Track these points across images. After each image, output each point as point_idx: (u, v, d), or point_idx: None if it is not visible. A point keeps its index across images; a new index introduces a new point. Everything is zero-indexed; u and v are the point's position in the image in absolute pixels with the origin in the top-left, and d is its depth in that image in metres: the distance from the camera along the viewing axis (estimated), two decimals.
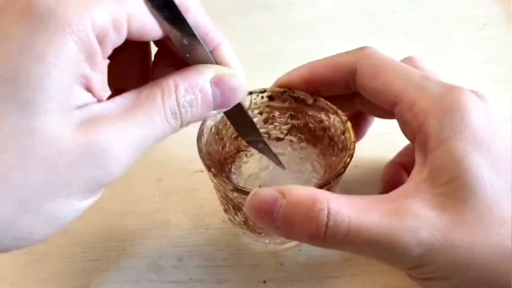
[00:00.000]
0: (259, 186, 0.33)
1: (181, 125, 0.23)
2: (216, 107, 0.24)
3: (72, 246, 0.33)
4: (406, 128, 0.27)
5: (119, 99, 0.21)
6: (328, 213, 0.22)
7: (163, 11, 0.22)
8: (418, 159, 0.25)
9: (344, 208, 0.22)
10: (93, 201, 0.21)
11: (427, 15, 0.52)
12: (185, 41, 0.23)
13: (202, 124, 0.29)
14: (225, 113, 0.27)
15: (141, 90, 0.22)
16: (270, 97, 0.31)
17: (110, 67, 0.26)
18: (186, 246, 0.32)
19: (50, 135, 0.19)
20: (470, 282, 0.22)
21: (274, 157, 0.31)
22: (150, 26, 0.22)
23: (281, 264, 0.32)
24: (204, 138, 0.28)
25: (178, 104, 0.22)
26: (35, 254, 0.32)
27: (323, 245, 0.23)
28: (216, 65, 0.24)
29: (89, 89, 0.20)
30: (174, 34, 0.22)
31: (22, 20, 0.18)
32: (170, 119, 0.22)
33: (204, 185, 0.36)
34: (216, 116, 0.30)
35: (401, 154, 0.34)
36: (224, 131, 0.31)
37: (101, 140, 0.19)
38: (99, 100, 0.21)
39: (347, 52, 0.29)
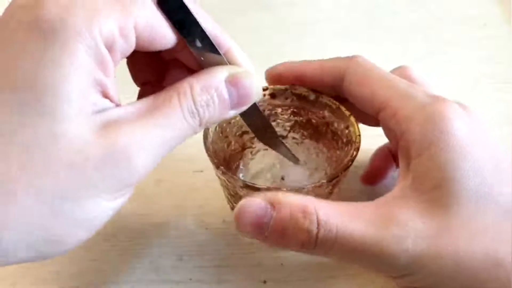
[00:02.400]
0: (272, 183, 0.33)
1: (201, 125, 0.23)
2: (234, 106, 0.24)
3: None
4: (390, 134, 0.27)
5: (137, 104, 0.22)
6: (318, 223, 0.22)
7: (177, 14, 0.22)
8: (401, 165, 0.25)
9: (332, 217, 0.22)
10: (123, 201, 0.22)
11: (427, 15, 0.52)
12: (198, 44, 0.23)
13: None
14: (243, 117, 0.28)
15: (158, 95, 0.22)
16: (272, 95, 0.32)
17: (129, 64, 0.27)
18: (186, 246, 0.32)
19: (74, 140, 0.19)
20: None
21: (288, 153, 0.31)
22: (160, 36, 0.22)
23: (281, 264, 0.32)
24: (210, 137, 0.29)
25: (195, 104, 0.22)
26: None
27: (312, 253, 0.23)
28: (229, 66, 0.24)
29: (105, 96, 0.21)
30: (188, 37, 0.23)
31: (33, 31, 0.19)
32: (188, 119, 0.22)
33: (204, 185, 0.36)
34: None
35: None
36: (228, 129, 0.31)
37: (122, 143, 0.20)
38: (117, 106, 0.21)
39: (338, 58, 0.30)
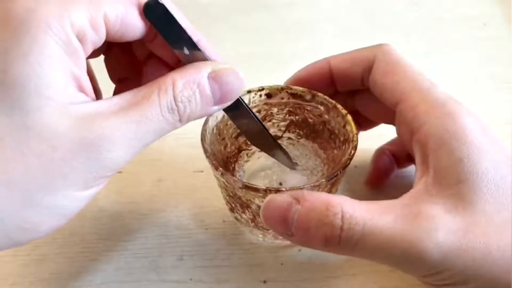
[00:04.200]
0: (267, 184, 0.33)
1: (181, 121, 0.23)
2: (216, 102, 0.24)
3: (72, 246, 0.33)
4: (405, 127, 0.27)
5: (116, 98, 0.22)
6: (342, 216, 0.22)
7: (163, 23, 0.22)
8: (418, 158, 0.25)
9: (358, 212, 0.22)
10: (95, 192, 0.22)
11: (427, 15, 0.52)
12: (186, 52, 0.23)
13: (205, 124, 0.29)
14: (233, 121, 0.28)
15: (139, 89, 0.22)
16: (268, 95, 0.32)
17: (106, 60, 0.27)
18: (186, 246, 0.32)
19: (44, 130, 0.19)
20: (488, 285, 0.22)
21: (285, 158, 0.31)
22: (131, 27, 0.22)
23: (281, 264, 0.32)
24: (207, 139, 0.29)
25: (175, 100, 0.22)
26: (35, 254, 0.32)
27: (338, 250, 0.23)
28: (213, 62, 0.24)
29: (81, 89, 0.21)
30: (175, 46, 0.23)
31: (4, 25, 0.19)
32: (166, 115, 0.22)
33: (204, 185, 0.36)
34: (217, 117, 0.30)
35: (392, 143, 0.35)
36: (225, 131, 0.31)
37: (94, 135, 0.20)
38: (93, 100, 0.21)
39: (366, 48, 0.30)
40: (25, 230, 0.20)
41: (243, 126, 0.28)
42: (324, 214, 0.22)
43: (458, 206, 0.23)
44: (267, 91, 0.31)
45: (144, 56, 0.26)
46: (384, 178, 0.34)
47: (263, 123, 0.33)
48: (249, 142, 0.32)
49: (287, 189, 0.24)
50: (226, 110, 0.26)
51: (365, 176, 0.36)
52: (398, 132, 0.28)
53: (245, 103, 0.27)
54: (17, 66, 0.19)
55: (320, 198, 0.23)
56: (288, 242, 0.32)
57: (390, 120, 0.29)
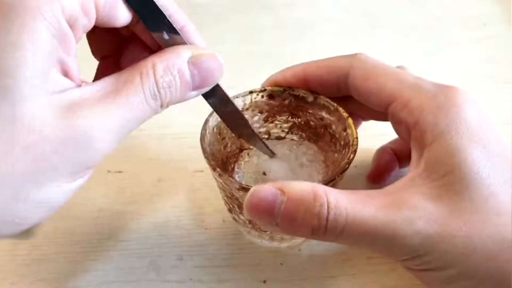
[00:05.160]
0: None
1: (162, 107, 0.23)
2: (195, 88, 0.24)
3: (72, 246, 0.33)
4: (401, 126, 0.27)
5: (99, 83, 0.21)
6: (328, 206, 0.22)
7: (141, 6, 0.22)
8: (414, 154, 0.25)
9: (341, 201, 0.22)
10: (82, 183, 0.22)
11: (427, 15, 0.52)
12: (166, 37, 0.23)
13: (205, 124, 0.29)
14: (213, 107, 0.27)
15: (120, 74, 0.22)
16: (270, 96, 0.32)
17: (89, 38, 0.26)
18: (186, 246, 0.32)
19: (32, 121, 0.19)
20: (468, 272, 0.22)
21: (264, 146, 0.31)
22: (118, 12, 0.22)
23: (281, 264, 0.32)
24: (207, 139, 0.28)
25: (157, 86, 0.22)
26: (35, 254, 0.32)
27: (322, 238, 0.23)
28: (193, 46, 0.24)
29: (66, 75, 0.21)
30: (153, 29, 0.23)
31: None
32: (150, 101, 0.22)
33: (204, 185, 0.36)
34: (217, 118, 0.30)
35: (394, 142, 0.35)
36: (225, 131, 0.31)
37: (83, 124, 0.20)
38: (78, 85, 0.21)
39: (341, 56, 0.30)
40: (14, 224, 0.20)
41: (223, 114, 0.28)
42: (312, 205, 0.22)
43: (443, 195, 0.23)
44: (269, 92, 0.31)
45: (127, 36, 0.26)
46: (385, 175, 0.34)
47: (266, 124, 0.33)
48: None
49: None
50: (206, 97, 0.26)
51: (364, 176, 0.36)
52: (396, 132, 0.28)
53: (225, 90, 0.27)
54: (5, 54, 0.18)
55: (306, 188, 0.23)
56: (286, 244, 0.32)
57: (384, 118, 0.29)
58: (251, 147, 0.33)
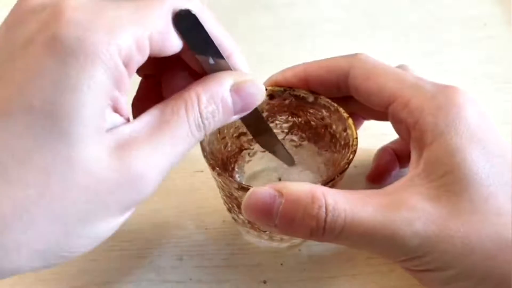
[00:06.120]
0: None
1: (205, 135, 0.23)
2: (236, 112, 0.24)
3: None
4: (401, 126, 0.27)
5: (146, 118, 0.22)
6: (326, 208, 0.22)
7: (192, 34, 0.22)
8: (413, 155, 0.25)
9: (340, 203, 0.22)
10: (129, 215, 0.22)
11: (427, 15, 0.52)
12: (211, 61, 0.23)
13: None
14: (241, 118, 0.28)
15: (165, 105, 0.22)
16: (271, 96, 0.32)
17: None
18: (186, 246, 0.32)
19: (88, 163, 0.19)
20: (467, 273, 0.22)
21: (285, 154, 0.31)
22: (170, 43, 0.22)
23: (281, 264, 0.32)
24: (207, 138, 0.28)
25: (201, 117, 0.22)
26: None
27: (321, 240, 0.23)
28: (234, 72, 0.24)
29: (116, 111, 0.21)
30: (201, 55, 0.23)
31: (51, 53, 0.19)
32: (195, 133, 0.22)
33: (204, 185, 0.36)
34: None
35: (395, 142, 0.35)
36: (226, 130, 0.31)
37: (135, 164, 0.20)
38: (127, 119, 0.21)
39: (341, 56, 0.30)
40: (62, 257, 0.20)
41: (248, 121, 0.29)
42: (310, 207, 0.22)
43: (441, 196, 0.23)
44: (270, 92, 0.31)
45: (173, 58, 0.26)
46: (385, 175, 0.34)
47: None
48: (252, 142, 0.32)
49: None
50: None
51: (364, 176, 0.36)
52: (397, 131, 0.28)
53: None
54: (65, 97, 0.19)
55: (304, 189, 0.23)
56: (287, 243, 0.32)
57: (385, 118, 0.29)
58: (252, 147, 0.33)
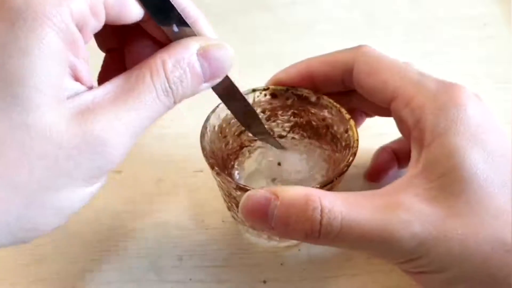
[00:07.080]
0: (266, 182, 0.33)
1: (175, 102, 0.23)
2: (207, 79, 0.23)
3: (72, 246, 0.33)
4: (402, 124, 0.27)
5: (109, 86, 0.21)
6: (322, 211, 0.22)
7: (152, 1, 0.22)
8: (413, 154, 0.25)
9: (336, 205, 0.22)
10: (98, 187, 0.22)
11: (427, 15, 0.52)
12: (175, 29, 0.23)
13: (205, 122, 0.29)
14: (222, 99, 0.27)
15: (130, 73, 0.22)
16: (273, 95, 0.32)
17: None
18: (186, 246, 0.32)
19: (46, 129, 0.19)
20: (465, 275, 0.22)
21: (272, 139, 0.31)
22: (129, 10, 0.22)
23: (281, 264, 0.32)
24: (207, 137, 0.28)
25: (168, 81, 0.22)
26: (35, 254, 0.32)
27: (318, 242, 0.23)
28: (200, 37, 0.24)
29: (77, 79, 0.20)
30: (164, 23, 0.23)
31: (0, 15, 0.18)
32: (162, 98, 0.22)
33: (204, 185, 0.36)
34: (219, 116, 0.30)
35: (395, 142, 0.35)
36: (227, 130, 0.31)
37: (97, 129, 0.20)
38: (89, 88, 0.21)
39: (345, 50, 0.30)
40: (29, 230, 0.20)
41: (233, 108, 0.28)
42: (304, 209, 0.22)
43: (439, 197, 0.22)
44: (272, 91, 0.31)
45: (134, 27, 0.26)
46: (382, 174, 0.34)
47: (268, 123, 0.33)
48: (252, 138, 0.32)
49: None
50: (216, 90, 0.26)
51: (363, 175, 0.36)
52: (399, 129, 0.28)
53: (232, 80, 0.26)
54: (15, 61, 0.18)
55: (299, 192, 0.23)
56: (286, 243, 0.32)
57: (389, 114, 0.29)
58: (252, 144, 0.33)
